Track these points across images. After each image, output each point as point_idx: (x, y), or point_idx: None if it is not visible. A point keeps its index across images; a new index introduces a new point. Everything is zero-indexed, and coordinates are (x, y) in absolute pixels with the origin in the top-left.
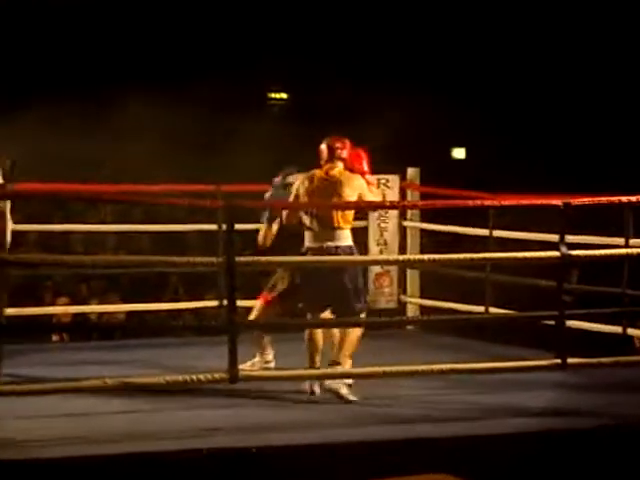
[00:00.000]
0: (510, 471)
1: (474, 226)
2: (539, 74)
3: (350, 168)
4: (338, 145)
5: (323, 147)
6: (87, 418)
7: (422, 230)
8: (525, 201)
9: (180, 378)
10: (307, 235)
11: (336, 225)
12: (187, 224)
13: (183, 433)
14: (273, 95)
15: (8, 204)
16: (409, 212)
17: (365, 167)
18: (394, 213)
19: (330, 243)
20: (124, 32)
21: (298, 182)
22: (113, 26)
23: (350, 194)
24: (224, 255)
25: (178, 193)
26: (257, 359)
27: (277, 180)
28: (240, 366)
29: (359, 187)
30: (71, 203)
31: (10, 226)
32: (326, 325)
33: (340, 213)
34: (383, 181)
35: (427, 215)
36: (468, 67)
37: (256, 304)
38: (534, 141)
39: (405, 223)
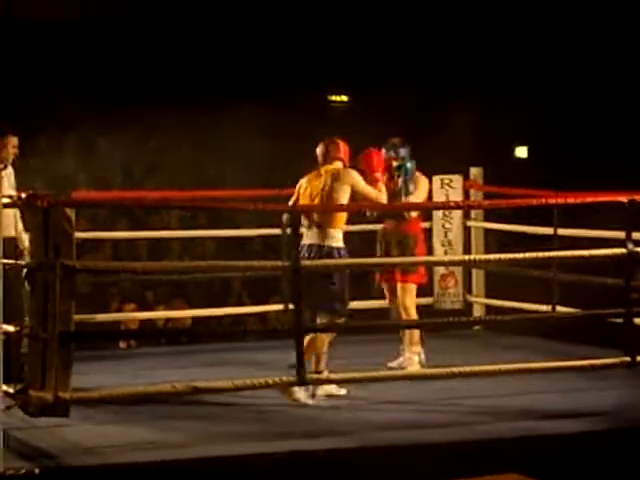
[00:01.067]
0: (580, 470)
1: (539, 225)
2: (603, 70)
3: (351, 164)
4: (331, 147)
5: (318, 151)
6: (160, 423)
7: (486, 230)
8: (590, 198)
9: (248, 382)
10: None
11: (320, 224)
12: (251, 229)
13: (256, 437)
14: (334, 98)
15: (74, 212)
16: (473, 212)
17: (375, 165)
18: (458, 213)
19: (315, 242)
20: (201, 45)
21: (300, 182)
22: (191, 39)
23: (339, 190)
24: (289, 259)
25: (242, 198)
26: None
27: (403, 151)
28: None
29: (350, 181)
30: (135, 210)
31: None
32: (398, 327)
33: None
34: (446, 181)
35: (491, 215)
36: (530, 66)
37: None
38: (598, 139)
39: (469, 223)
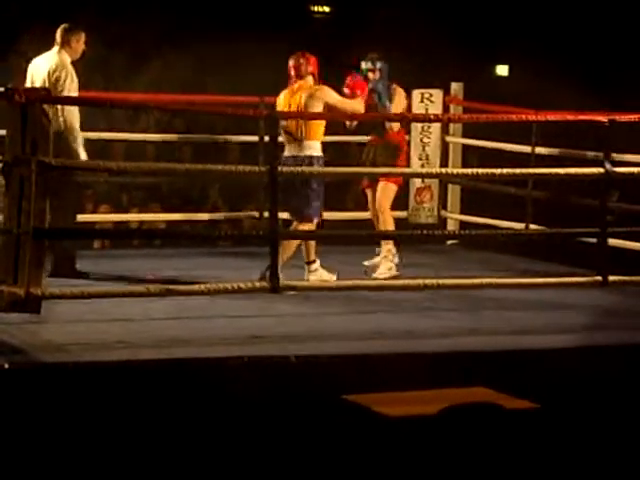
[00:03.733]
0: (549, 386)
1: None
2: None
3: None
4: (302, 61)
5: (290, 64)
6: (132, 323)
7: (464, 147)
8: (569, 117)
9: (221, 286)
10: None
11: (299, 137)
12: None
13: (225, 340)
14: (316, 8)
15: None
16: (451, 127)
17: (354, 88)
18: (437, 128)
19: (295, 153)
20: None
21: (278, 99)
22: None
23: (313, 107)
24: (267, 164)
25: (222, 103)
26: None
27: (379, 64)
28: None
29: (324, 98)
30: (114, 112)
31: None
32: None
33: (303, 126)
34: (427, 95)
35: (469, 131)
36: None
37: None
38: (580, 58)
39: (447, 138)
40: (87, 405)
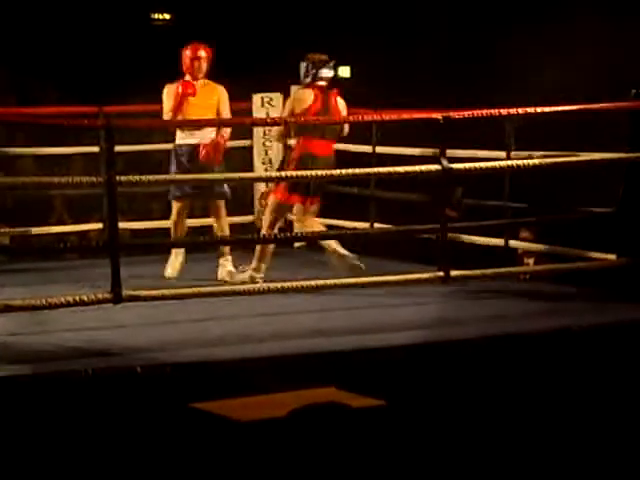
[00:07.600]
0: (398, 383)
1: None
2: None
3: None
4: None
5: None
6: None
7: None
8: (405, 115)
9: (63, 299)
10: None
11: None
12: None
13: (69, 354)
14: (156, 16)
15: None
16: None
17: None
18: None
19: None
20: None
21: None
22: None
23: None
24: (104, 174)
25: (62, 115)
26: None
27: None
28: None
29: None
30: None
31: None
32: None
33: None
34: (267, 99)
35: None
36: None
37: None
38: (421, 58)
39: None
40: None
